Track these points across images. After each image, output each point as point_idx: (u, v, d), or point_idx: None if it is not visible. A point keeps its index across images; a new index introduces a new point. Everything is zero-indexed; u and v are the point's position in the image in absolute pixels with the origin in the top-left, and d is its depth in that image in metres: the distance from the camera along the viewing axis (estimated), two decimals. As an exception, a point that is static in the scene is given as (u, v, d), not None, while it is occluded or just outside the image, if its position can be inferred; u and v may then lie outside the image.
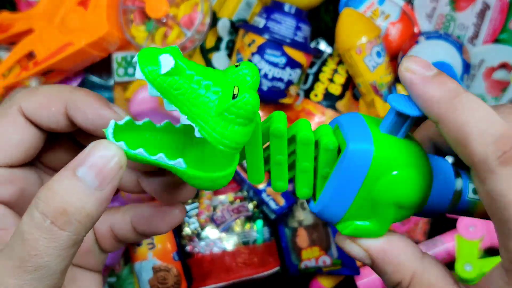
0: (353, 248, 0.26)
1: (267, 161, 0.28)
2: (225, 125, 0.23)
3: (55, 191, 0.22)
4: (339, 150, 0.26)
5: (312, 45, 0.75)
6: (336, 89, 0.73)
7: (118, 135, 0.24)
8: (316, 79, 0.73)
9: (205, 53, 0.71)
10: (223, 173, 0.24)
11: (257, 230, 0.74)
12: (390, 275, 0.25)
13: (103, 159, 0.22)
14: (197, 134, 0.23)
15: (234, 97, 0.22)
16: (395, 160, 0.25)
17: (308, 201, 0.28)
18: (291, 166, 0.28)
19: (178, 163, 0.24)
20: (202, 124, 0.23)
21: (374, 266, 0.26)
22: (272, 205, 0.71)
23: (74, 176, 0.22)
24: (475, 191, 0.28)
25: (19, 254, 0.21)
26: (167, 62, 0.22)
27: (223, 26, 0.70)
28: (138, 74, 0.22)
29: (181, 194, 0.29)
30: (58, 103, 0.26)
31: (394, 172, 0.25)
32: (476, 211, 0.28)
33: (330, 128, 0.27)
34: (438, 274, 0.25)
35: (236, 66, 0.24)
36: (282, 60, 0.65)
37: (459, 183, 0.28)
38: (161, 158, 0.23)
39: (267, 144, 0.27)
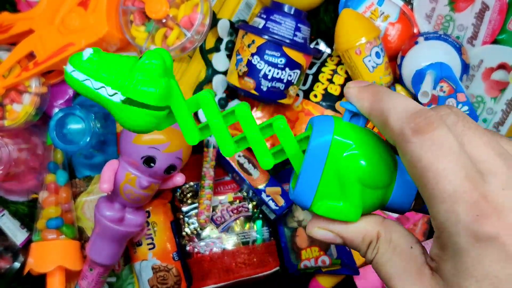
0: (321, 232, 0.30)
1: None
2: (142, 82, 0.27)
3: None
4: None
5: (312, 45, 0.75)
6: (335, 90, 0.73)
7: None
8: (315, 79, 0.73)
9: (205, 54, 0.71)
10: (154, 112, 0.28)
11: (257, 230, 0.74)
12: (361, 243, 0.29)
13: None
14: (121, 97, 0.28)
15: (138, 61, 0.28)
16: (353, 139, 0.28)
17: (290, 193, 0.31)
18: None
19: (115, 98, 0.28)
20: (124, 89, 0.28)
21: (346, 243, 0.30)
22: (272, 205, 0.72)
23: None
24: None
25: None
26: (86, 52, 0.28)
27: (223, 27, 0.70)
28: (68, 67, 0.29)
29: None
30: None
31: (353, 149, 0.28)
32: None
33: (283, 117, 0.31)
34: (399, 232, 0.28)
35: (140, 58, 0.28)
36: (282, 61, 0.65)
37: None
38: (102, 91, 0.28)
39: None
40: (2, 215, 0.75)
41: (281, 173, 0.77)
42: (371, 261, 0.29)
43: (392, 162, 0.29)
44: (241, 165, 0.73)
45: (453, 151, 0.24)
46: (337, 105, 0.73)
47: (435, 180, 0.23)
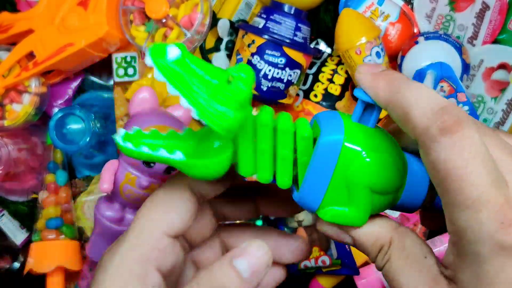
0: (331, 229, 0.29)
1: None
2: (219, 108, 0.25)
3: (217, 278, 0.27)
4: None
5: (312, 45, 0.75)
6: (335, 90, 0.73)
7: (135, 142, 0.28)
8: (315, 79, 0.73)
9: (205, 54, 0.71)
10: (216, 158, 0.27)
11: (257, 230, 0.74)
12: (371, 246, 0.27)
13: (257, 257, 0.27)
14: (194, 115, 0.26)
15: (228, 83, 0.25)
16: (364, 145, 0.26)
17: (292, 191, 0.30)
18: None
19: (177, 156, 0.27)
20: (199, 107, 0.25)
21: (356, 244, 0.28)
22: (272, 205, 0.71)
23: (231, 266, 0.27)
24: None
25: None
26: (173, 52, 0.25)
27: (222, 27, 0.70)
28: (148, 60, 0.25)
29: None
30: None
31: (364, 156, 0.26)
32: None
33: (306, 120, 0.30)
34: (413, 240, 0.27)
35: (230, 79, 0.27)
36: (282, 61, 0.65)
37: None
38: (162, 153, 0.27)
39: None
40: (2, 215, 0.75)
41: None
42: (382, 268, 0.27)
43: (403, 165, 0.28)
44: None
45: (482, 153, 0.22)
46: (337, 105, 0.73)
47: (459, 185, 0.22)
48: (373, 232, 0.27)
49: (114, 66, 0.71)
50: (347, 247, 0.69)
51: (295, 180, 0.30)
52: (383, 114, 0.68)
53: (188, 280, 0.31)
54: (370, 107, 0.27)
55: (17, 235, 0.74)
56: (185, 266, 0.32)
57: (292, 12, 0.65)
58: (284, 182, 0.29)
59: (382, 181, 0.27)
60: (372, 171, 0.26)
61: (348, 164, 0.26)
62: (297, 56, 0.66)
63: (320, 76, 0.73)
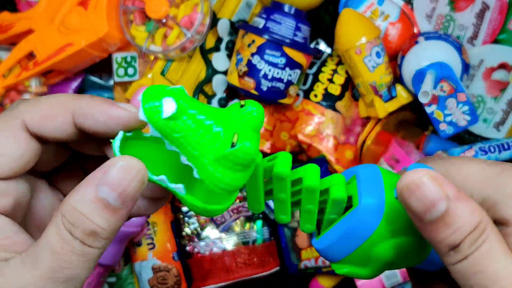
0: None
1: (269, 193, 0.28)
2: (222, 170, 0.23)
3: (82, 213, 0.23)
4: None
5: (312, 45, 0.75)
6: (335, 90, 0.73)
7: (125, 146, 0.25)
8: (315, 79, 0.73)
9: (205, 54, 0.71)
10: (218, 207, 0.25)
11: (257, 230, 0.74)
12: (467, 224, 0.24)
13: (125, 178, 0.23)
14: (195, 175, 0.23)
15: (233, 145, 0.22)
16: (400, 226, 0.25)
17: (311, 234, 0.29)
18: (296, 202, 0.28)
19: (178, 188, 0.24)
20: (200, 167, 0.23)
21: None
22: (272, 205, 0.71)
23: (97, 198, 0.23)
24: None
25: (49, 265, 0.23)
26: (169, 107, 0.22)
27: (223, 27, 0.70)
28: (141, 115, 0.23)
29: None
30: (64, 113, 0.25)
31: (395, 238, 0.26)
32: None
33: (343, 179, 0.27)
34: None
35: (242, 106, 0.24)
36: (282, 61, 0.65)
37: None
38: (162, 180, 0.24)
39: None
40: (2, 215, 0.75)
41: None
42: (465, 258, 0.25)
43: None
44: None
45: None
46: (337, 105, 0.73)
47: None
48: (471, 208, 0.23)
49: (114, 66, 0.71)
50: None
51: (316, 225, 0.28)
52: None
53: (48, 207, 0.29)
54: None
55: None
56: (41, 194, 0.29)
57: (292, 12, 0.65)
58: (306, 229, 0.28)
59: (404, 262, 0.27)
60: (397, 252, 0.26)
61: (379, 239, 0.25)
62: (297, 56, 0.66)
63: (320, 76, 0.73)
